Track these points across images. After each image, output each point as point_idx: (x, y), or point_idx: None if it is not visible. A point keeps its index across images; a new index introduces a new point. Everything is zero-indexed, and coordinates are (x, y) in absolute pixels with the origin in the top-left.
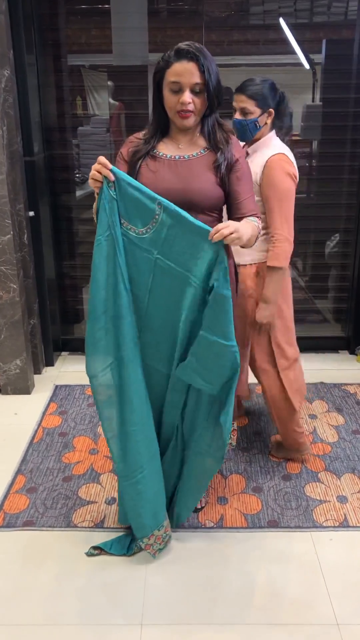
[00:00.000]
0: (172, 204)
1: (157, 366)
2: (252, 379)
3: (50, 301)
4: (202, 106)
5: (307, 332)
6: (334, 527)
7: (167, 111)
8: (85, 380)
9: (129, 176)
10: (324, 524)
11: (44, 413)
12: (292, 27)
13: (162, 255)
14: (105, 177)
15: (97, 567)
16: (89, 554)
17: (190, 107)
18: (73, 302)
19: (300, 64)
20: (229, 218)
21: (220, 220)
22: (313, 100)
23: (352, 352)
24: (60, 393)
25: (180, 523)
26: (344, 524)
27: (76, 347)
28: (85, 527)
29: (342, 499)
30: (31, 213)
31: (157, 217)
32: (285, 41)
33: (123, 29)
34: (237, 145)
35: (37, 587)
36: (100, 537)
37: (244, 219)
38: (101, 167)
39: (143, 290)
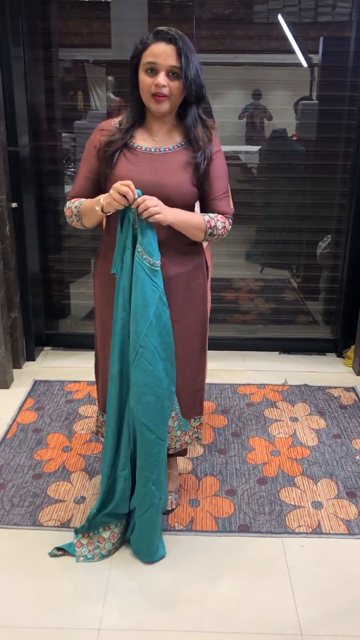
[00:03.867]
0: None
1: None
2: (225, 379)
3: (35, 295)
4: (178, 92)
5: (296, 334)
6: (306, 533)
7: (141, 94)
8: (65, 376)
9: None
10: (296, 530)
11: (20, 408)
12: (291, 25)
13: (163, 293)
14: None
15: (59, 569)
16: (51, 555)
17: (165, 90)
18: (59, 297)
19: (298, 63)
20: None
21: None
22: (310, 98)
23: (340, 355)
24: (39, 388)
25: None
26: (317, 531)
27: (60, 342)
28: (51, 527)
29: (317, 505)
30: (14, 204)
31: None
32: (285, 39)
33: (122, 19)
34: (217, 141)
35: None
36: (66, 537)
37: (193, 213)
38: (129, 191)
39: (143, 322)
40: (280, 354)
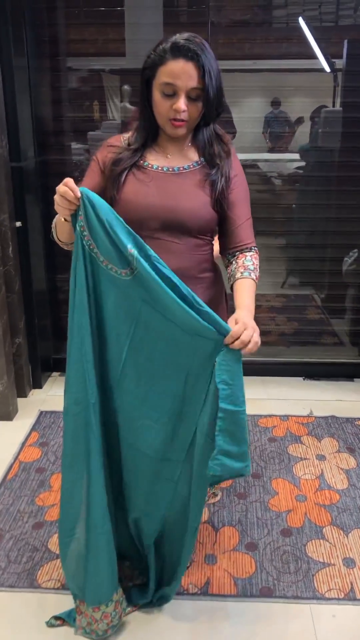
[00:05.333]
0: (149, 258)
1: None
2: (252, 410)
3: (42, 317)
4: (198, 114)
5: (320, 357)
6: (338, 599)
7: (156, 116)
8: None
9: (104, 204)
10: (327, 595)
11: (23, 444)
12: (313, 28)
13: (148, 303)
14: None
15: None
16: (49, 625)
17: (184, 115)
18: (66, 318)
19: (320, 68)
20: (220, 245)
21: (212, 245)
22: (334, 105)
23: None
24: (45, 420)
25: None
26: (350, 596)
27: None
28: (49, 589)
29: (349, 563)
30: (18, 223)
31: (133, 265)
32: (306, 43)
33: (136, 25)
34: (236, 159)
35: None
36: (66, 602)
37: (241, 281)
38: (67, 190)
39: (120, 344)
40: (304, 379)
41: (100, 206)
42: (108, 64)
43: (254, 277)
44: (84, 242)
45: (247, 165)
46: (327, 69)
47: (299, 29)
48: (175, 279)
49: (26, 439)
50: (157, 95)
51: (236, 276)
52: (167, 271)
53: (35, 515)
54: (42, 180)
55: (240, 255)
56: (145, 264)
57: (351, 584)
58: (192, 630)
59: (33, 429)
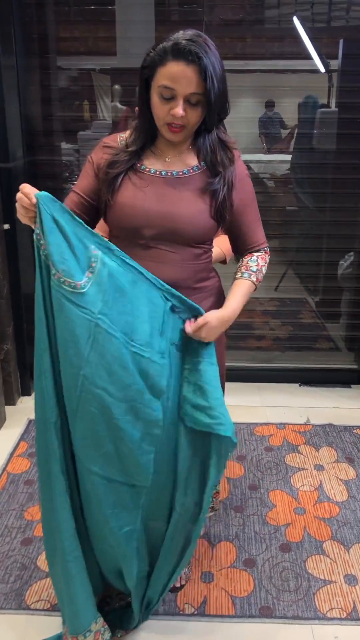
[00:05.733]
0: (115, 250)
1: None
2: (240, 417)
3: (30, 323)
4: (198, 120)
5: (316, 363)
6: (340, 619)
7: (154, 119)
8: None
9: (63, 207)
10: (328, 615)
11: (11, 454)
12: (307, 28)
13: (104, 315)
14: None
15: None
16: None
17: (183, 121)
18: None
19: (315, 69)
20: (232, 247)
21: (210, 253)
22: (328, 106)
23: None
24: (34, 429)
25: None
26: (353, 616)
27: None
28: (39, 609)
29: (351, 580)
30: (6, 226)
31: (93, 265)
32: (301, 43)
33: (127, 22)
34: (241, 163)
35: None
36: (56, 623)
37: (239, 281)
38: (22, 197)
39: (76, 363)
40: (300, 386)
41: (59, 209)
42: (98, 63)
43: (254, 280)
44: (40, 251)
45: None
46: (322, 70)
47: (293, 29)
48: (141, 269)
49: (14, 449)
50: (155, 98)
51: (236, 276)
52: (132, 262)
53: (23, 530)
54: (31, 182)
55: (248, 255)
56: (109, 260)
57: (353, 603)
58: None
59: (22, 438)
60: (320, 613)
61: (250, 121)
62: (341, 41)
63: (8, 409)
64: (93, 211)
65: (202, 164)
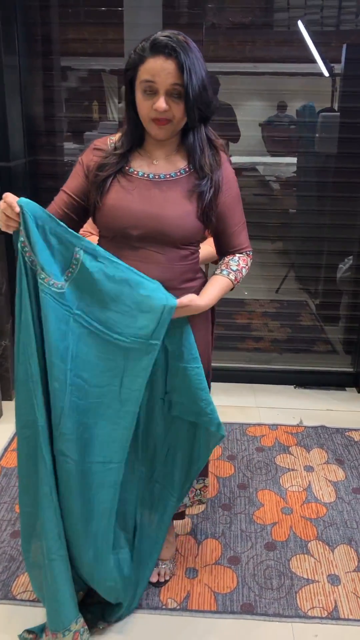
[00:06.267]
0: (99, 249)
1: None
2: (233, 417)
3: None
4: (182, 114)
5: (313, 365)
6: (321, 617)
7: (140, 117)
8: None
9: (45, 212)
10: (309, 613)
11: (6, 448)
12: (312, 32)
13: (82, 310)
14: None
15: None
16: (21, 638)
17: (168, 114)
18: None
19: (319, 72)
20: (216, 248)
21: (197, 254)
22: (333, 109)
23: None
24: None
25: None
26: (334, 615)
27: None
28: (25, 600)
29: (334, 580)
30: None
31: (74, 266)
32: (306, 47)
33: (135, 25)
34: (228, 165)
35: None
36: (41, 614)
37: (217, 277)
38: (6, 207)
39: (64, 359)
40: (295, 387)
41: (42, 215)
42: (105, 64)
43: (233, 278)
44: (25, 258)
45: (245, 169)
46: (326, 74)
47: (299, 32)
48: (122, 263)
49: (9, 443)
50: (139, 95)
51: (215, 272)
52: (114, 258)
53: (14, 523)
54: (32, 181)
55: (230, 255)
56: (90, 261)
57: (335, 603)
58: None
59: None
60: (302, 611)
61: (257, 124)
62: (344, 46)
63: (5, 404)
64: (82, 211)
65: (190, 166)
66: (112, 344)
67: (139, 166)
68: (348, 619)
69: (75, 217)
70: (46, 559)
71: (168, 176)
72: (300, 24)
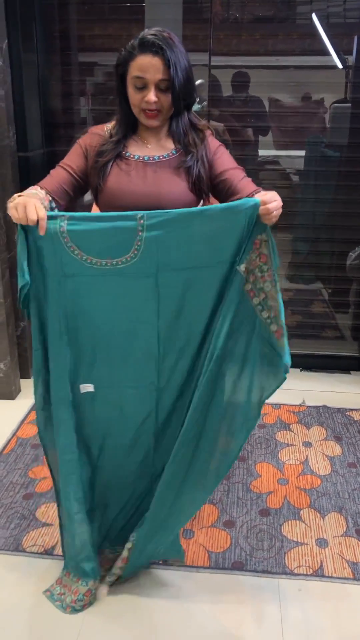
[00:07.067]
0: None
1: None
2: None
3: None
4: (170, 104)
5: (320, 350)
6: (306, 575)
7: (132, 109)
8: None
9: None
10: (295, 571)
11: (22, 421)
12: (327, 25)
13: (164, 269)
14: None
15: (37, 600)
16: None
17: (157, 105)
18: None
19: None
20: None
21: None
22: (347, 100)
23: None
24: None
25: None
26: (318, 573)
27: None
28: (33, 553)
29: (322, 543)
30: None
31: (140, 234)
32: (321, 40)
33: (155, 21)
34: (212, 139)
35: None
36: (46, 565)
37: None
38: (34, 219)
39: (146, 327)
40: (301, 371)
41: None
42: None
43: None
44: (63, 242)
45: (268, 162)
46: (340, 66)
47: (316, 26)
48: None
49: (25, 416)
50: (130, 89)
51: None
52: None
53: (26, 486)
54: (49, 170)
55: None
56: (156, 214)
57: (321, 562)
58: (164, 597)
59: (33, 407)
60: (288, 569)
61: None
62: (355, 38)
63: (22, 382)
64: (78, 189)
65: (178, 147)
66: (206, 272)
67: (135, 150)
68: (332, 577)
69: (72, 193)
70: (67, 510)
71: (161, 157)
72: (314, 16)
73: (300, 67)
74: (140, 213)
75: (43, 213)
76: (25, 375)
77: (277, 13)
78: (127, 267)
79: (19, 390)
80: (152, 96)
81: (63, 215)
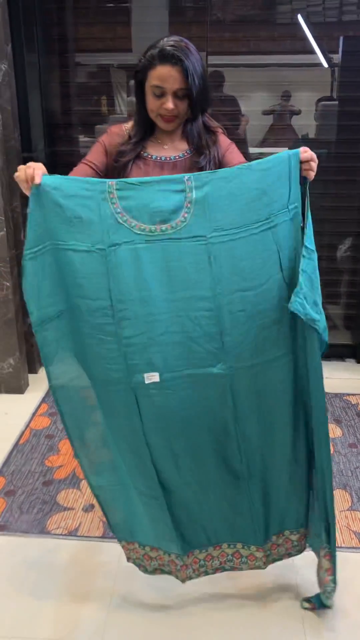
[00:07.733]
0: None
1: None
2: None
3: None
4: (186, 109)
5: None
6: None
7: (149, 112)
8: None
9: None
10: None
11: (33, 414)
12: (312, 25)
13: (217, 230)
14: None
15: (67, 578)
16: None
17: (174, 112)
18: None
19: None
20: None
21: None
22: (332, 98)
23: (359, 361)
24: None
25: None
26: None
27: None
28: (58, 534)
29: None
30: (29, 210)
31: (189, 195)
32: (306, 39)
33: (143, 24)
34: (224, 139)
35: None
36: (69, 545)
37: None
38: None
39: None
40: None
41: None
42: (115, 60)
43: None
44: (112, 209)
45: (253, 159)
46: (325, 65)
47: (300, 25)
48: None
49: (36, 409)
50: (149, 95)
51: None
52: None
53: (44, 474)
54: (52, 170)
55: None
56: (202, 175)
57: None
58: None
59: (43, 401)
60: None
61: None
62: (341, 38)
63: (30, 376)
64: None
65: (192, 148)
66: (259, 235)
67: (152, 151)
68: (340, 547)
69: None
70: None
71: (177, 157)
72: (299, 16)
73: (285, 65)
74: (186, 175)
75: (42, 169)
76: (32, 370)
77: (260, 14)
78: (177, 233)
79: (28, 385)
80: (170, 104)
81: (110, 182)
